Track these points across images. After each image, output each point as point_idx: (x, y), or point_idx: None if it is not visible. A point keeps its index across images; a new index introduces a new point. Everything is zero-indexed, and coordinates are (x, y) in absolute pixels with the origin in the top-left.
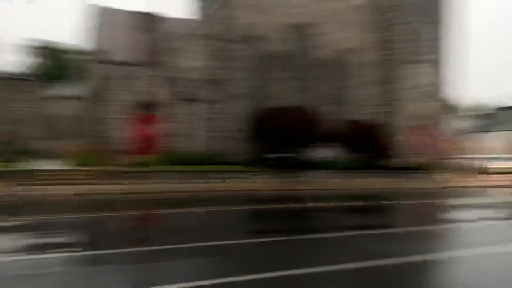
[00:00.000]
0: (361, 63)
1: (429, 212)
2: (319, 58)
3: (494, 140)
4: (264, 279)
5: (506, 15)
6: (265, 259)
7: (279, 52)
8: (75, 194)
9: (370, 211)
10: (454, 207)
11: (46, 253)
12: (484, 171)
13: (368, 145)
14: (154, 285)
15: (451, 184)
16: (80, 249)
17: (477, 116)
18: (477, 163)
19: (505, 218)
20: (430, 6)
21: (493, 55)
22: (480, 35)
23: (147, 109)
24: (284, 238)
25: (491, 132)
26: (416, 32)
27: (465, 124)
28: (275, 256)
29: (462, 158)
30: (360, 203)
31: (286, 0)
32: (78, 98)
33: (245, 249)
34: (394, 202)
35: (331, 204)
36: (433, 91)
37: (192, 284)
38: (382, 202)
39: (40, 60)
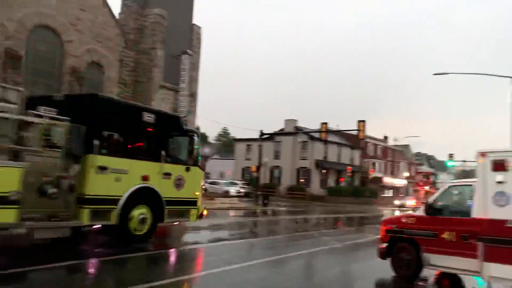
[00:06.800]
0: (108, 79)
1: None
2: (70, 67)
3: (224, 166)
4: None
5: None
6: None
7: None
8: None
9: None
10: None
11: None
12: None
13: None
14: None
15: None
16: None
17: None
18: (216, 187)
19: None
20: (180, 36)
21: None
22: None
23: None
24: None
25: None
26: (163, 59)
27: (207, 151)
28: None
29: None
30: None
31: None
32: None
33: None
34: None
35: None
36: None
37: None
38: None
39: None
